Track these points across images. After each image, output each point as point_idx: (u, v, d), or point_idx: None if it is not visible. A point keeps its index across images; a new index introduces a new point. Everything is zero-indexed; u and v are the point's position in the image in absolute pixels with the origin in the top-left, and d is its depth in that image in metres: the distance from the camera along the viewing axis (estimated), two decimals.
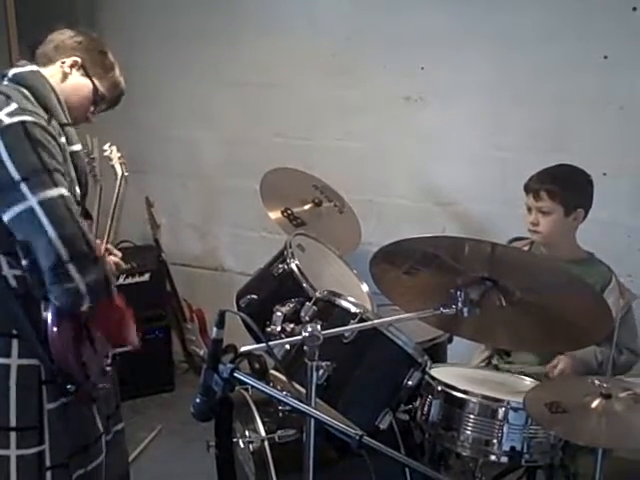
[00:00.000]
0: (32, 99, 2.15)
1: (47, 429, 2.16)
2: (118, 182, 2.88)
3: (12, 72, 2.22)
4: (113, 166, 2.95)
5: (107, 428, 2.41)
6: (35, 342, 2.10)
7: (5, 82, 2.20)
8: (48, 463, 2.18)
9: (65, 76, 2.27)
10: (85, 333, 2.21)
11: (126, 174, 2.93)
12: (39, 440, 2.16)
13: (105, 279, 2.08)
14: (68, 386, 2.13)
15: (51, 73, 2.25)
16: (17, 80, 2.19)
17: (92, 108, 2.36)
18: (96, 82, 2.31)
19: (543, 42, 3.40)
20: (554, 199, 2.68)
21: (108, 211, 2.79)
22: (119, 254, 2.53)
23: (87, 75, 2.29)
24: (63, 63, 2.26)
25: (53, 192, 1.99)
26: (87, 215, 2.40)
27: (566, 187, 2.70)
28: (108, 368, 2.33)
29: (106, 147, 3.01)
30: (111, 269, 2.41)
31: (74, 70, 2.27)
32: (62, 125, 2.20)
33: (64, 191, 2.02)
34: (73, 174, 2.21)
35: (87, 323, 2.21)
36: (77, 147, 2.27)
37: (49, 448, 2.17)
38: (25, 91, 2.15)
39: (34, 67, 2.24)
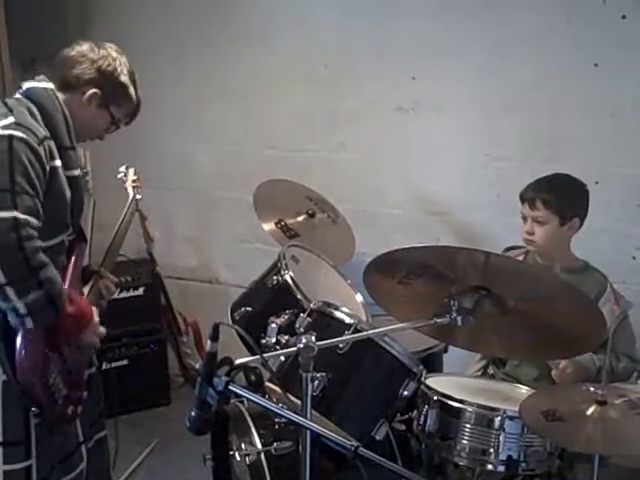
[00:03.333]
0: (38, 116, 2.15)
1: (34, 443, 2.17)
2: (127, 205, 2.81)
3: (26, 86, 2.24)
4: (126, 188, 2.91)
5: (89, 435, 2.42)
6: (3, 359, 2.09)
7: (17, 95, 2.22)
8: (35, 477, 2.18)
9: (83, 107, 2.28)
10: (55, 357, 2.18)
11: (138, 197, 2.88)
12: (26, 455, 2.16)
13: (48, 300, 2.04)
14: (33, 409, 2.12)
15: (68, 99, 2.26)
16: (28, 95, 2.20)
17: (108, 130, 2.40)
18: (114, 112, 2.34)
19: (534, 51, 3.41)
20: (550, 208, 2.69)
21: (102, 225, 2.77)
22: (113, 278, 2.53)
23: (106, 107, 2.32)
24: (83, 94, 2.27)
25: (5, 214, 1.98)
26: (81, 237, 2.42)
27: (562, 196, 2.71)
28: (84, 393, 2.31)
29: (122, 169, 2.99)
30: (97, 292, 2.43)
31: (93, 102, 2.29)
32: (64, 148, 2.20)
33: (18, 214, 1.99)
34: (68, 195, 2.20)
35: (59, 348, 2.19)
36: (76, 172, 2.26)
37: (36, 462, 2.18)
38: (33, 107, 2.16)
39: (49, 85, 2.25)
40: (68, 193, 2.21)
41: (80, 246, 2.40)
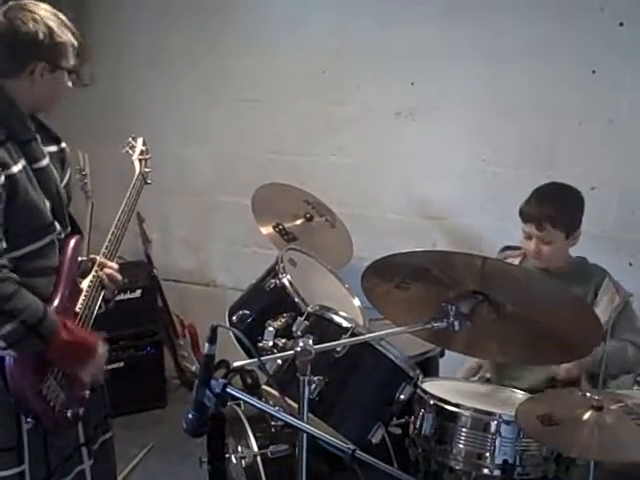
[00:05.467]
0: None
1: (26, 448, 2.10)
2: (133, 181, 2.59)
3: None
4: (132, 162, 2.68)
5: (94, 437, 2.36)
6: None
7: None
8: None
9: (36, 83, 2.11)
10: (48, 364, 2.09)
11: (146, 170, 2.65)
12: (19, 460, 2.10)
13: (28, 329, 1.96)
14: (28, 419, 2.06)
15: (17, 86, 2.10)
16: None
17: (70, 82, 2.23)
18: (66, 65, 2.17)
19: (532, 57, 3.42)
20: (557, 227, 2.67)
21: (100, 228, 2.74)
22: (115, 266, 2.36)
23: (57, 67, 2.14)
24: (32, 73, 2.10)
25: None
26: (74, 228, 2.31)
27: (566, 213, 2.70)
28: (86, 392, 2.23)
29: (129, 140, 2.77)
30: (104, 296, 2.33)
31: (45, 73, 2.12)
32: (24, 142, 2.08)
33: None
34: (37, 197, 2.08)
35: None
36: (44, 162, 2.13)
37: (29, 467, 2.12)
38: None
39: None
40: (39, 195, 2.09)
41: (74, 240, 2.26)
